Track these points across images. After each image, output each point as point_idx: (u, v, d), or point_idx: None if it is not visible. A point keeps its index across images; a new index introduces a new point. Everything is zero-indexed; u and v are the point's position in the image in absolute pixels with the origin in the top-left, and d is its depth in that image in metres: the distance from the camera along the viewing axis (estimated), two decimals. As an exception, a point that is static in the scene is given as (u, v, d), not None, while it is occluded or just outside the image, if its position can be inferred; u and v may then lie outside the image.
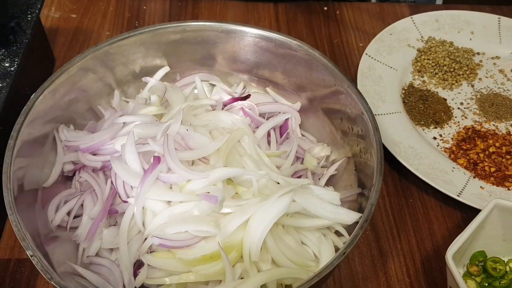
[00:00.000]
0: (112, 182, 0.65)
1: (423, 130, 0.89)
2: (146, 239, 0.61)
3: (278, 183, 0.65)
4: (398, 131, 0.85)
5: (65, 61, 0.93)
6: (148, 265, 0.60)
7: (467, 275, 0.70)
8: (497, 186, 0.80)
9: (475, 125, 0.90)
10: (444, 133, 0.89)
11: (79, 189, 0.69)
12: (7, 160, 0.61)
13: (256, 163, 0.66)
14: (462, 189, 0.77)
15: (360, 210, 0.64)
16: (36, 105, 0.66)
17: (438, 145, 0.86)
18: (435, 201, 0.80)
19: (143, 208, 0.61)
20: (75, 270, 0.62)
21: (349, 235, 0.65)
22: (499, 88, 0.97)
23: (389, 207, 0.79)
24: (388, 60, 0.97)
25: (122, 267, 0.61)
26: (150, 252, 0.61)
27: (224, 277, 0.58)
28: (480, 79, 0.98)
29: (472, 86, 0.97)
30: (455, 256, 0.64)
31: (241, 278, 0.60)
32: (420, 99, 0.92)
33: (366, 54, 0.95)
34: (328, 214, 0.63)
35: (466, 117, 0.92)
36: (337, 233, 0.66)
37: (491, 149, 0.84)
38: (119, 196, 0.63)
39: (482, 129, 0.90)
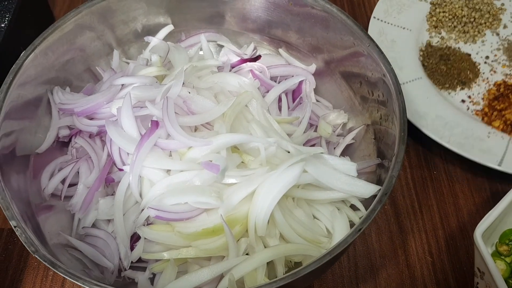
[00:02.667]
0: (108, 149, 0.59)
1: (449, 94, 0.80)
2: (143, 210, 0.56)
3: (289, 152, 0.59)
4: (422, 100, 0.76)
5: None
6: (145, 238, 0.55)
7: (496, 254, 0.64)
8: None
9: (506, 79, 0.80)
10: (473, 94, 0.80)
11: (75, 156, 0.64)
12: None
13: (264, 130, 0.59)
14: (503, 157, 0.69)
15: (379, 182, 0.58)
16: (26, 64, 0.61)
17: (468, 109, 0.78)
18: (462, 173, 0.73)
19: (139, 177, 0.56)
20: (69, 242, 0.58)
21: (366, 210, 0.59)
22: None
23: (410, 180, 0.73)
24: (399, 20, 0.86)
25: (118, 239, 0.57)
26: (147, 225, 0.56)
27: (227, 252, 0.53)
28: (505, 25, 0.87)
29: (497, 34, 0.86)
30: (484, 234, 0.57)
31: (246, 254, 0.54)
32: (441, 59, 0.82)
33: (374, 17, 0.85)
34: (343, 186, 0.56)
35: (495, 72, 0.81)
36: (353, 207, 0.60)
37: None
38: (114, 164, 0.58)
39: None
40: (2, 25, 0.67)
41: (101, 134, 0.64)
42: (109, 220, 0.61)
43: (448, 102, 0.78)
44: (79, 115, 0.62)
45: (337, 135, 0.69)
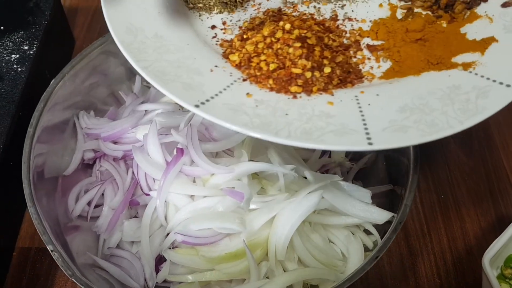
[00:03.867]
0: (133, 173, 0.62)
1: (200, 16, 0.61)
2: (168, 234, 0.59)
3: (305, 177, 0.62)
4: (148, 13, 0.57)
5: (85, 42, 0.91)
6: (171, 261, 0.58)
7: (501, 277, 0.67)
8: (278, 92, 0.51)
9: (285, 8, 0.61)
10: (232, 20, 0.60)
11: (100, 178, 0.67)
12: (27, 148, 0.59)
13: (282, 156, 0.62)
14: (214, 96, 0.49)
15: (391, 206, 0.61)
16: (56, 91, 0.64)
17: (214, 37, 0.59)
18: (468, 197, 0.76)
19: (165, 201, 0.59)
20: (96, 261, 0.61)
21: (379, 233, 0.62)
22: None
23: (419, 204, 0.76)
24: None
25: (143, 261, 0.59)
26: (173, 248, 0.59)
27: (248, 276, 0.56)
28: None
29: None
30: (491, 259, 0.60)
31: (266, 278, 0.57)
32: None
33: None
34: (359, 213, 0.60)
35: None
36: (366, 231, 0.63)
37: (277, 34, 0.53)
38: (141, 189, 0.61)
39: (294, 13, 0.60)
40: (31, 52, 0.69)
41: (125, 157, 0.67)
42: (132, 241, 0.63)
43: (191, 25, 0.59)
44: (105, 140, 0.65)
45: (349, 160, 0.72)
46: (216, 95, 0.50)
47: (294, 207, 0.57)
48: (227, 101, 0.50)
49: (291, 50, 0.52)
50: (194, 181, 0.61)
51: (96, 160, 0.69)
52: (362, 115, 0.49)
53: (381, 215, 0.59)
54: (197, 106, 0.48)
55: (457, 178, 0.75)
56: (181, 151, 0.59)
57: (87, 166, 0.70)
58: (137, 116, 0.67)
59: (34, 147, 0.60)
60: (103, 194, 0.65)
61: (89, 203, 0.65)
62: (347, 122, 0.48)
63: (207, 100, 0.49)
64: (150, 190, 0.60)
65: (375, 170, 0.71)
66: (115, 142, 0.67)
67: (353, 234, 0.62)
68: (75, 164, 0.67)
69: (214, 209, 0.58)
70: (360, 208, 0.60)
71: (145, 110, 0.67)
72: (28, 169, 0.58)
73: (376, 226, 0.62)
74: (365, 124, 0.48)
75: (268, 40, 0.53)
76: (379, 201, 0.65)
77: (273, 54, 0.52)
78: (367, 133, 0.47)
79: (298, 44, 0.52)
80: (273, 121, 0.48)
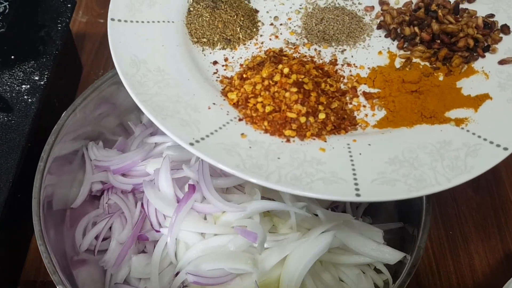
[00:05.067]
0: (142, 206, 0.61)
1: (203, 50, 0.62)
2: (178, 272, 0.57)
3: (317, 215, 0.60)
4: (153, 46, 0.58)
5: (92, 68, 0.91)
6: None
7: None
8: (272, 135, 0.52)
9: (286, 49, 0.63)
10: (234, 57, 0.62)
11: (108, 211, 0.66)
12: (37, 184, 0.57)
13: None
14: (209, 135, 0.50)
15: (402, 244, 0.61)
16: (67, 123, 0.63)
17: (215, 73, 0.60)
18: (476, 233, 0.76)
19: (175, 239, 0.58)
20: (103, 297, 0.60)
21: (389, 271, 0.61)
22: (345, 0, 0.69)
23: (428, 240, 0.76)
24: None
25: (153, 298, 0.58)
26: (183, 287, 0.58)
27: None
28: None
29: None
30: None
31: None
32: (208, 5, 0.63)
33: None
34: (371, 252, 0.59)
35: (278, 37, 0.65)
36: (376, 270, 0.62)
37: (275, 78, 0.54)
38: (151, 225, 0.60)
39: (294, 55, 0.62)
40: (42, 82, 0.67)
41: (134, 190, 0.65)
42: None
43: (192, 59, 0.60)
44: (114, 172, 0.64)
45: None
46: (212, 133, 0.51)
47: (307, 248, 0.56)
48: (221, 140, 0.50)
49: (287, 94, 0.53)
50: (205, 218, 0.60)
51: (104, 191, 0.68)
52: (353, 165, 0.50)
53: (393, 255, 0.59)
54: (191, 144, 0.49)
55: (464, 213, 0.76)
56: (193, 188, 0.58)
57: (94, 198, 0.68)
58: (147, 148, 0.66)
59: (44, 182, 0.59)
60: (110, 227, 0.64)
61: (96, 237, 0.63)
62: (337, 171, 0.49)
63: (202, 139, 0.50)
64: (161, 226, 0.60)
65: (385, 206, 0.70)
66: (124, 175, 0.66)
67: (364, 273, 0.61)
68: (83, 196, 0.66)
69: (226, 248, 0.56)
70: (372, 247, 0.59)
71: (155, 143, 0.67)
72: (38, 205, 0.56)
73: (387, 264, 0.62)
74: (354, 174, 0.49)
75: (266, 83, 0.54)
76: (390, 237, 0.63)
77: (270, 96, 0.53)
78: (356, 184, 0.48)
79: (294, 89, 0.53)
80: (264, 164, 0.49)
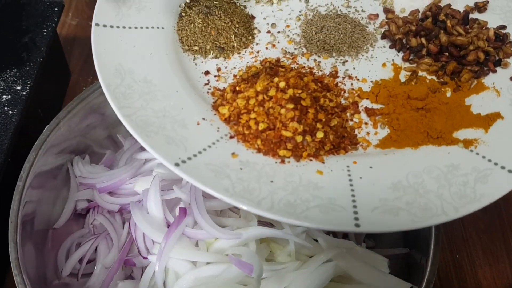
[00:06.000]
0: (129, 228, 0.57)
1: (195, 59, 0.58)
2: None
3: (317, 240, 0.56)
4: (140, 54, 0.54)
5: (81, 75, 0.85)
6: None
7: None
8: (265, 154, 0.48)
9: (284, 59, 0.58)
10: (227, 66, 0.58)
11: (93, 231, 0.62)
12: (15, 206, 0.53)
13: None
14: (196, 154, 0.46)
15: (407, 271, 0.57)
16: (49, 138, 0.58)
17: (207, 84, 0.56)
18: (484, 258, 0.72)
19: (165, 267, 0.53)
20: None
21: None
22: (348, 7, 0.65)
23: None
24: None
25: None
26: None
27: None
28: None
29: (307, 1, 0.65)
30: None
31: None
32: (201, 11, 0.59)
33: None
34: (375, 282, 0.54)
35: (275, 46, 0.60)
36: None
37: (270, 92, 0.50)
38: (139, 251, 0.55)
39: (292, 65, 0.58)
40: (24, 92, 0.62)
41: (121, 210, 0.61)
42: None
43: (183, 69, 0.56)
44: (100, 191, 0.60)
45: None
46: (200, 152, 0.47)
47: (306, 279, 0.51)
48: (210, 160, 0.46)
49: (283, 111, 0.49)
50: (197, 244, 0.55)
51: (89, 209, 0.63)
52: (352, 190, 0.46)
53: (399, 287, 0.54)
54: (177, 164, 0.45)
55: (472, 235, 0.72)
56: (184, 212, 0.54)
57: (79, 216, 0.64)
58: (135, 165, 0.61)
59: (23, 203, 0.54)
60: (96, 249, 0.60)
61: (80, 260, 0.59)
62: (335, 197, 0.45)
63: (189, 158, 0.46)
64: (149, 253, 0.55)
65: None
66: (111, 193, 0.61)
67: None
68: (66, 216, 0.61)
69: (219, 278, 0.51)
70: (377, 277, 0.54)
71: (145, 159, 0.63)
72: (15, 229, 0.51)
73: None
74: (354, 201, 0.45)
75: (260, 97, 0.50)
76: (395, 262, 0.59)
77: (264, 113, 0.49)
78: (355, 212, 0.44)
79: (291, 106, 0.49)
80: (256, 188, 0.45)
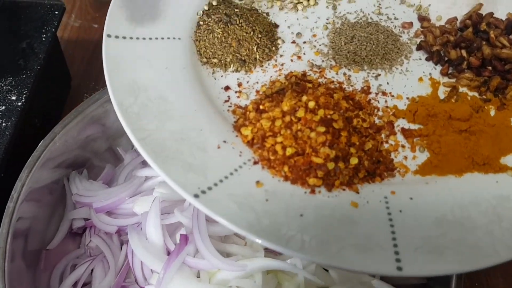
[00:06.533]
0: (127, 254, 0.53)
1: (214, 73, 0.53)
2: None
3: (327, 270, 0.52)
4: (155, 69, 0.50)
5: (83, 80, 0.80)
6: None
7: None
8: (293, 183, 0.43)
9: (310, 73, 0.53)
10: (249, 81, 0.53)
11: (89, 253, 0.57)
12: (4, 230, 0.48)
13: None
14: (217, 183, 0.42)
15: None
16: (44, 154, 0.54)
17: (227, 101, 0.51)
18: (505, 285, 0.67)
19: None
20: None
21: None
22: (379, 14, 0.59)
23: None
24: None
25: None
26: None
27: None
28: None
29: (335, 7, 0.60)
30: None
31: None
32: (221, 20, 0.54)
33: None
34: None
35: (300, 57, 0.55)
36: None
37: (299, 113, 0.45)
38: (136, 281, 0.51)
39: (320, 80, 0.53)
40: (19, 103, 0.57)
41: (119, 231, 0.57)
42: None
43: (201, 84, 0.51)
44: (97, 211, 0.56)
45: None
46: (221, 181, 0.42)
47: None
48: (233, 190, 0.42)
49: (313, 134, 0.44)
50: (198, 274, 0.51)
51: (86, 228, 0.59)
52: (392, 226, 0.41)
53: None
54: (196, 196, 0.40)
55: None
56: (185, 239, 0.50)
57: (76, 234, 0.60)
58: (136, 183, 0.57)
59: (13, 224, 0.50)
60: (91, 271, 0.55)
61: (75, 283, 0.54)
62: (373, 234, 0.40)
63: (209, 188, 0.41)
64: (147, 282, 0.51)
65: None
66: (109, 213, 0.57)
67: None
68: (61, 236, 0.57)
69: None
70: None
71: (146, 176, 0.58)
72: (4, 256, 0.47)
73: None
74: (394, 239, 0.40)
75: (287, 118, 0.45)
76: None
77: (292, 136, 0.45)
78: (396, 253, 0.39)
79: (322, 129, 0.44)
80: (285, 223, 0.40)
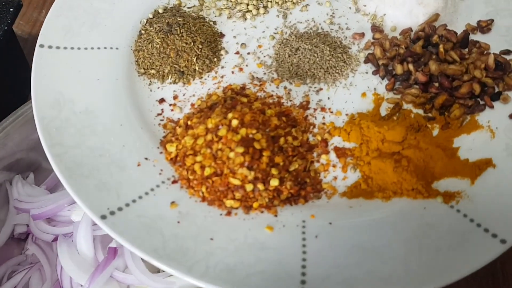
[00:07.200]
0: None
1: (150, 84, 0.52)
2: None
3: None
4: (85, 80, 0.49)
5: None
6: None
7: None
8: (210, 204, 0.43)
9: (250, 86, 0.52)
10: (186, 93, 0.52)
11: (30, 260, 0.56)
12: None
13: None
14: (129, 203, 0.41)
15: None
16: None
17: (160, 114, 0.50)
18: None
19: None
20: None
21: None
22: (331, 24, 0.58)
23: None
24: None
25: None
26: None
27: None
28: (306, 6, 0.59)
29: (285, 16, 0.58)
30: None
31: None
32: (161, 29, 0.53)
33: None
34: None
35: (242, 69, 0.54)
36: None
37: (220, 132, 0.44)
38: None
39: (259, 94, 0.51)
40: None
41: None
42: None
43: (135, 96, 0.51)
44: (34, 218, 0.55)
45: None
46: (134, 201, 0.42)
47: None
48: (144, 211, 0.41)
49: (231, 155, 0.43)
50: None
51: (29, 234, 0.58)
52: (304, 252, 0.40)
53: None
54: (103, 217, 0.40)
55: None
56: (113, 252, 0.49)
57: (19, 240, 0.58)
58: None
59: None
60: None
61: None
62: (283, 261, 0.39)
63: (120, 209, 0.41)
64: None
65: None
66: (49, 219, 0.56)
67: None
68: (1, 240, 0.55)
69: None
70: None
71: None
72: None
73: None
74: (304, 267, 0.39)
75: (209, 137, 0.44)
76: None
77: (211, 156, 0.43)
78: (303, 282, 0.38)
79: (240, 150, 0.42)
80: (191, 248, 0.39)
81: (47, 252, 0.55)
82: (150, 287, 0.49)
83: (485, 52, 0.53)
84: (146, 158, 0.45)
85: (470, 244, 0.39)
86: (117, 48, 0.53)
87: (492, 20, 0.55)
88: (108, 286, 0.48)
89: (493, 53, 0.51)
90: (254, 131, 0.44)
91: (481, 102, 0.50)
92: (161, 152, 0.46)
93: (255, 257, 0.39)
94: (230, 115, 0.45)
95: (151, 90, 0.52)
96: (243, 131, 0.43)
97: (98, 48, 0.52)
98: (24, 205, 0.56)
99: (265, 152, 0.43)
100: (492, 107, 0.49)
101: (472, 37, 0.55)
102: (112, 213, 0.40)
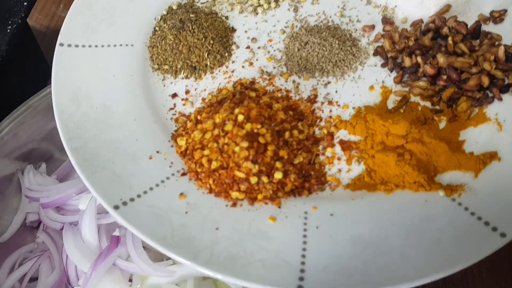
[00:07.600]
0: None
1: (164, 80, 0.54)
2: None
3: None
4: (102, 76, 0.52)
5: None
6: None
7: None
8: (217, 195, 0.45)
9: (259, 80, 0.53)
10: (197, 88, 0.53)
11: (40, 247, 0.59)
12: None
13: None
14: (141, 194, 0.44)
15: None
16: None
17: (172, 108, 0.52)
18: None
19: None
20: None
21: None
22: (342, 17, 0.58)
23: None
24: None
25: None
26: None
27: None
28: None
29: (296, 10, 0.58)
30: None
31: None
32: (174, 26, 0.55)
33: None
34: None
35: (252, 64, 0.55)
36: None
37: (227, 127, 0.45)
38: (68, 281, 0.53)
39: (268, 88, 0.52)
40: None
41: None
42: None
43: (148, 92, 0.53)
44: (44, 206, 0.58)
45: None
46: (145, 192, 0.44)
47: None
48: (154, 202, 0.44)
49: (237, 149, 0.44)
50: (130, 278, 0.52)
51: (40, 222, 0.60)
52: (304, 242, 0.41)
53: None
54: (116, 207, 0.42)
55: (473, 272, 0.63)
56: (116, 240, 0.51)
57: (32, 228, 0.61)
58: None
59: None
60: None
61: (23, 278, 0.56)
62: (284, 250, 0.41)
63: (132, 200, 0.43)
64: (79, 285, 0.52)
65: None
66: (58, 207, 0.59)
67: None
68: (14, 228, 0.59)
69: None
70: None
71: None
72: None
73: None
74: (303, 256, 0.40)
75: (216, 132, 0.46)
76: None
77: (218, 150, 0.45)
78: (302, 270, 0.39)
79: (245, 144, 0.44)
80: (197, 236, 0.41)
81: (56, 240, 0.58)
82: (151, 276, 0.51)
83: (496, 43, 0.52)
84: (158, 151, 0.47)
85: (470, 237, 0.40)
86: (132, 45, 0.55)
87: (506, 10, 0.54)
88: (111, 274, 0.50)
89: (504, 45, 0.51)
90: (259, 126, 0.45)
91: (490, 95, 0.49)
92: (172, 146, 0.49)
93: (257, 246, 0.41)
94: (236, 110, 0.46)
95: (164, 85, 0.54)
96: (248, 126, 0.45)
97: (114, 45, 0.55)
98: (34, 193, 0.59)
99: (269, 146, 0.45)
100: (500, 99, 0.49)
101: (485, 27, 0.54)
102: (124, 203, 0.43)
